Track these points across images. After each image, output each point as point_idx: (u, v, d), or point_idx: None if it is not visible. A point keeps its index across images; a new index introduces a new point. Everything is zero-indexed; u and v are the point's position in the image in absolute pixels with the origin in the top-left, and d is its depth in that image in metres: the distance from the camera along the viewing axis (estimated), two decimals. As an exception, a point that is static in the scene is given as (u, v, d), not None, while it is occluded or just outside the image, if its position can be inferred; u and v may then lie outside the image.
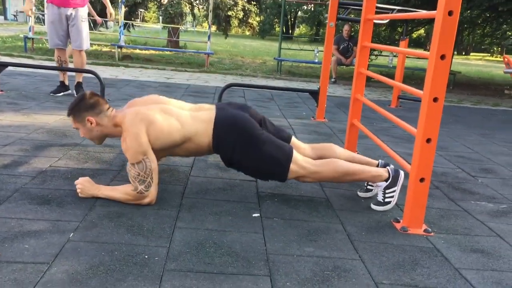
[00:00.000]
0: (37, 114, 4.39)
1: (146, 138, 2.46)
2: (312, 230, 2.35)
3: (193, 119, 2.60)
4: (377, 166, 2.91)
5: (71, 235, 2.07)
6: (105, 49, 12.79)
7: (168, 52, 12.93)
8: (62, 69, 5.54)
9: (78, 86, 5.64)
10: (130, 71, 10.08)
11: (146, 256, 1.94)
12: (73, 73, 5.76)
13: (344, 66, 11.00)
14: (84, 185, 2.49)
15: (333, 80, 10.82)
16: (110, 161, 3.14)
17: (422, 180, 2.45)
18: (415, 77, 12.21)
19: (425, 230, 2.48)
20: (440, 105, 2.34)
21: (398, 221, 2.57)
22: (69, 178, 2.77)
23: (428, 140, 2.39)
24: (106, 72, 9.36)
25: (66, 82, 5.70)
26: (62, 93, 5.60)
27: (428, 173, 2.44)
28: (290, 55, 13.64)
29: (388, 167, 2.83)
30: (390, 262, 2.10)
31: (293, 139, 2.88)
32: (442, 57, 2.29)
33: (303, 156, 2.73)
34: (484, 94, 11.05)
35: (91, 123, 2.58)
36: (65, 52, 5.56)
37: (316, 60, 11.61)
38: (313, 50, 11.80)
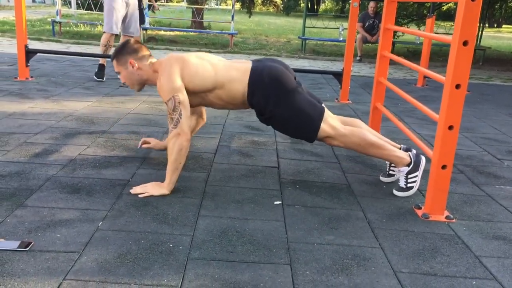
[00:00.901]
0: (66, 100, 4.51)
1: (179, 77, 2.57)
2: (333, 218, 2.39)
3: (228, 67, 2.69)
4: (400, 149, 2.92)
5: (100, 223, 2.16)
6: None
7: (192, 33, 12.94)
8: (91, 55, 5.66)
9: None
10: (155, 53, 10.15)
11: (171, 245, 2.02)
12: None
13: (370, 44, 10.84)
14: (152, 190, 2.52)
15: (358, 58, 10.68)
16: (136, 148, 3.22)
17: (444, 167, 2.45)
18: (442, 53, 11.95)
19: (446, 217, 2.49)
20: (463, 91, 2.32)
21: (420, 208, 2.58)
22: (97, 166, 2.86)
23: (450, 127, 2.38)
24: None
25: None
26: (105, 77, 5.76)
27: (450, 160, 2.44)
28: (315, 33, 13.47)
29: (410, 152, 2.83)
30: (410, 250, 2.13)
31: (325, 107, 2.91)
32: (465, 43, 2.26)
33: (334, 117, 2.77)
34: (507, 70, 10.77)
35: (133, 66, 2.69)
36: (113, 38, 5.64)
37: (341, 38, 11.45)
38: (338, 28, 11.64)
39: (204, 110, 3.15)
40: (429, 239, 2.25)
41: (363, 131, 2.76)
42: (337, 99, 5.56)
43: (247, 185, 2.73)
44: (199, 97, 2.70)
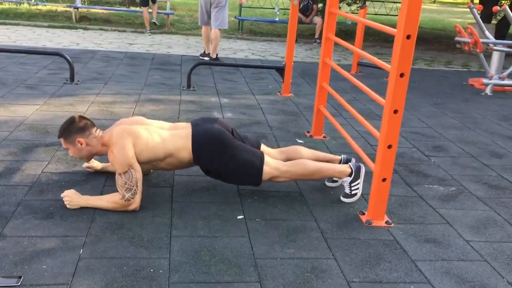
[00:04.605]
0: (12, 105, 4.48)
1: (132, 150, 2.73)
2: (291, 229, 2.69)
3: (172, 137, 2.89)
4: (341, 160, 3.28)
5: (81, 251, 2.33)
6: (60, 9, 12.40)
7: (127, 12, 12.67)
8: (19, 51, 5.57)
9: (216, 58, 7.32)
10: (90, 35, 9.94)
11: (151, 270, 2.24)
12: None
13: (304, 24, 11.17)
14: (72, 197, 2.73)
15: (293, 39, 10.98)
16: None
17: (390, 147, 2.72)
18: (372, 33, 12.49)
19: (386, 222, 2.87)
20: (406, 79, 2.61)
21: (363, 214, 2.94)
22: (63, 185, 2.99)
23: (395, 111, 2.67)
24: (65, 39, 9.22)
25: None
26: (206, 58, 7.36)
27: (395, 140, 2.72)
28: (252, 13, 13.59)
29: (350, 162, 3.19)
30: (359, 258, 2.48)
31: (262, 146, 3.20)
32: (408, 37, 2.55)
33: (273, 159, 3.05)
34: (437, 49, 11.53)
35: (81, 144, 2.82)
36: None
37: (277, 19, 11.70)
38: (274, 9, 11.85)
39: None
40: (373, 245, 2.61)
41: (304, 161, 3.05)
42: (279, 92, 5.84)
43: (210, 199, 2.97)
44: (151, 165, 2.91)
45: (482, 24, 6.94)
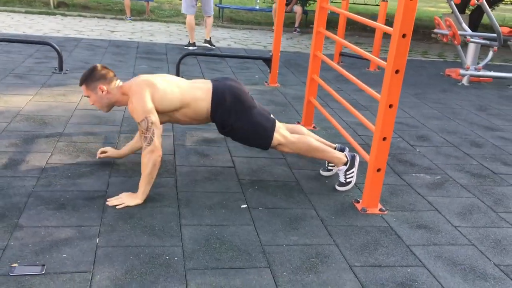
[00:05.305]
0: (4, 95, 4.49)
1: (150, 99, 2.84)
2: (293, 218, 2.85)
3: (192, 88, 3.01)
4: (335, 149, 3.44)
5: (97, 240, 2.44)
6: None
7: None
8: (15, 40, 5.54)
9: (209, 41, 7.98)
10: (70, 22, 9.84)
11: (167, 257, 2.36)
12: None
13: (286, 13, 11.25)
14: (127, 200, 2.79)
15: (273, 28, 11.08)
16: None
17: (384, 139, 2.89)
18: (350, 22, 12.67)
19: (380, 209, 3.06)
20: (401, 75, 2.77)
21: (358, 202, 3.12)
22: (69, 176, 3.07)
23: (390, 106, 2.83)
24: (45, 26, 9.12)
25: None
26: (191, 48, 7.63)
27: (389, 133, 2.90)
28: (232, 1, 13.63)
29: (345, 152, 3.36)
30: (358, 244, 2.65)
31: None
32: (404, 35, 2.71)
33: (283, 128, 3.22)
34: (413, 39, 11.77)
35: (102, 91, 2.91)
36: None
37: (257, 7, 11.77)
38: (254, -4, 11.91)
39: None
40: (370, 232, 2.79)
41: (308, 138, 3.23)
42: (266, 82, 5.97)
43: (212, 189, 3.10)
44: (167, 115, 2.99)
45: (460, 17, 7.18)
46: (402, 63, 2.78)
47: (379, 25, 3.14)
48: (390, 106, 2.86)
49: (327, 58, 4.16)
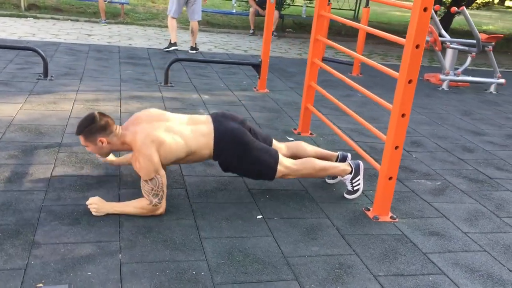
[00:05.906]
0: (-7, 103, 4.33)
1: (158, 157, 2.76)
2: (309, 228, 2.86)
3: (194, 134, 2.94)
4: (337, 158, 3.47)
5: (120, 256, 2.38)
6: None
7: (78, 1, 12.25)
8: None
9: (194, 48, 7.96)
10: (44, 25, 9.58)
11: (194, 272, 2.33)
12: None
13: (262, 17, 11.28)
14: (98, 205, 2.73)
15: (251, 31, 11.10)
16: (105, 166, 3.34)
17: (397, 148, 2.93)
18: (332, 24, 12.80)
19: (391, 217, 3.09)
20: (413, 85, 2.82)
21: (369, 210, 3.15)
22: (78, 189, 2.99)
23: (403, 115, 2.89)
24: (18, 29, 8.86)
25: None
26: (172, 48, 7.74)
27: (401, 142, 2.94)
28: (210, 4, 13.55)
29: (348, 159, 3.39)
30: (377, 253, 2.68)
31: (274, 142, 3.33)
32: (417, 46, 2.76)
33: (286, 158, 3.20)
34: (387, 43, 12.02)
35: (102, 143, 2.81)
36: None
37: (234, 11, 11.75)
38: (231, 0, 11.89)
39: None
40: (387, 240, 2.82)
41: (312, 161, 3.22)
42: (255, 88, 5.96)
43: (225, 200, 3.07)
44: (171, 163, 2.99)
45: (439, 23, 7.37)
46: (415, 74, 2.83)
47: (396, 38, 3.16)
48: (403, 115, 2.91)
49: (327, 66, 4.19)
